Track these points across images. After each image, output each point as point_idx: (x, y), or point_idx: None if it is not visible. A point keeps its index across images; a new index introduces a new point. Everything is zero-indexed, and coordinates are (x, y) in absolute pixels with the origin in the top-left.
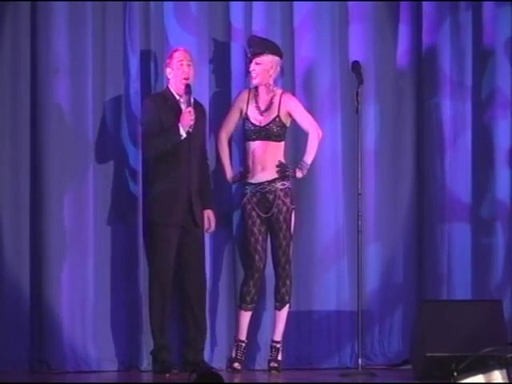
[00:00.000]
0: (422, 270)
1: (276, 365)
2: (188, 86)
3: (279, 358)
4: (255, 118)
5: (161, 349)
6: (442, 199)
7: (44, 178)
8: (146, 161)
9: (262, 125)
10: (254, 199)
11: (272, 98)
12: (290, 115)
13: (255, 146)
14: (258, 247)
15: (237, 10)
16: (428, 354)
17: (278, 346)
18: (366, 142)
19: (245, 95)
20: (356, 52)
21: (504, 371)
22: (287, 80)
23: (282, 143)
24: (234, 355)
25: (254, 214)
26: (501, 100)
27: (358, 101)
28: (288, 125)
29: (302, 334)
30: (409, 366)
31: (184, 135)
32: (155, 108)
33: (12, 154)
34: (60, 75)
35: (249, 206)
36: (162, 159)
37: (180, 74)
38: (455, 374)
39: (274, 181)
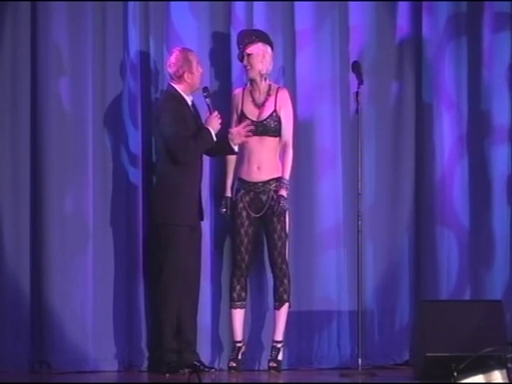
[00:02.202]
0: (422, 269)
1: (275, 365)
2: (207, 89)
3: (279, 357)
4: (252, 113)
5: (170, 350)
6: (441, 199)
7: (44, 177)
8: (156, 162)
9: (260, 120)
10: (247, 198)
11: (269, 91)
12: (281, 115)
13: (251, 143)
14: (242, 248)
15: (238, 10)
16: (428, 354)
17: (279, 345)
18: (367, 142)
19: (239, 94)
20: (357, 50)
21: (504, 371)
22: (288, 79)
23: (278, 139)
24: (230, 356)
25: (244, 214)
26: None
27: (358, 101)
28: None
29: (302, 334)
30: (409, 366)
31: (215, 139)
32: (176, 110)
33: (12, 152)
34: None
35: (240, 205)
36: (174, 162)
37: (200, 76)
38: (455, 373)
39: (268, 182)
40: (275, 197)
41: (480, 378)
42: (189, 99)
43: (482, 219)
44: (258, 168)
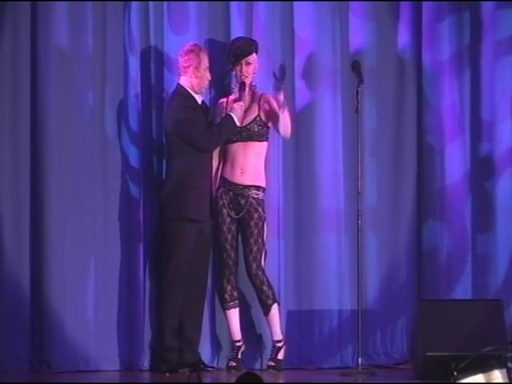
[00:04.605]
0: (422, 268)
1: (274, 364)
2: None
3: (279, 357)
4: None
5: (169, 349)
6: (442, 196)
7: (44, 176)
8: (167, 159)
9: (243, 125)
10: (227, 197)
11: (252, 98)
12: (271, 113)
13: (236, 148)
14: (227, 246)
15: (237, 10)
16: (428, 354)
17: (278, 344)
18: (367, 141)
19: (223, 103)
20: (357, 49)
21: (504, 371)
22: (288, 79)
23: (265, 144)
24: (230, 355)
25: (224, 211)
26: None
27: (357, 100)
28: (270, 125)
29: (303, 334)
30: (409, 366)
31: (238, 124)
32: (185, 104)
33: (12, 153)
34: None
35: (220, 203)
36: (186, 156)
37: (206, 80)
38: (455, 373)
39: (248, 187)
40: (254, 203)
41: (480, 377)
42: (198, 98)
43: (485, 216)
44: (242, 172)
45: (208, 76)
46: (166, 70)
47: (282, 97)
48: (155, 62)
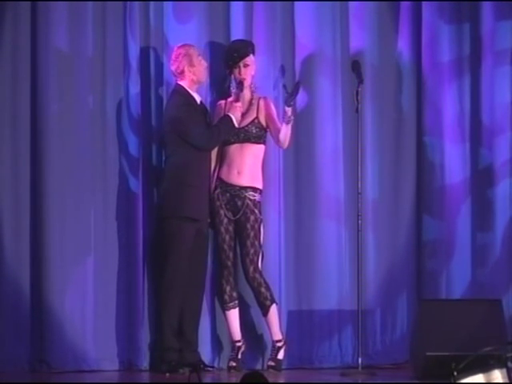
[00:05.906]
0: (422, 268)
1: (273, 364)
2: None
3: (279, 357)
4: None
5: (169, 349)
6: (441, 196)
7: (44, 177)
8: (166, 158)
9: (241, 126)
10: (224, 198)
11: (251, 100)
12: (269, 119)
13: (233, 149)
14: (225, 246)
15: (237, 10)
16: (428, 354)
17: (278, 344)
18: (367, 141)
19: (221, 105)
20: (357, 49)
21: (504, 370)
22: (288, 80)
23: (262, 146)
24: (230, 355)
25: (221, 212)
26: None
27: (357, 100)
28: (267, 129)
29: (303, 334)
30: (409, 366)
31: (236, 125)
32: (184, 103)
33: (12, 153)
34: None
35: (217, 203)
36: (185, 155)
37: (203, 69)
38: (455, 373)
39: (245, 188)
40: (250, 205)
41: (480, 377)
42: (197, 97)
43: (483, 215)
44: (239, 173)
45: (204, 63)
46: (167, 61)
47: (289, 112)
48: (156, 52)
